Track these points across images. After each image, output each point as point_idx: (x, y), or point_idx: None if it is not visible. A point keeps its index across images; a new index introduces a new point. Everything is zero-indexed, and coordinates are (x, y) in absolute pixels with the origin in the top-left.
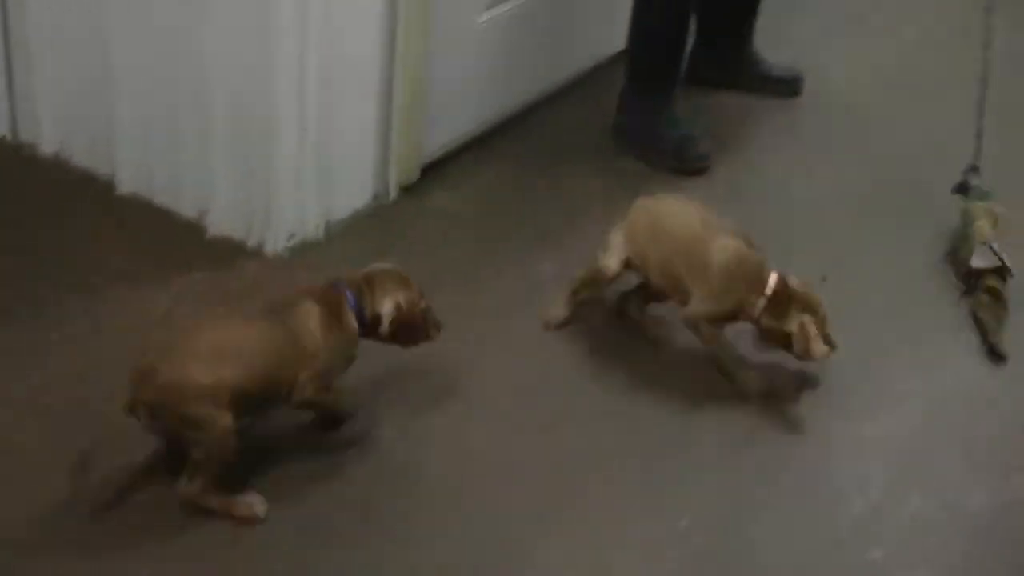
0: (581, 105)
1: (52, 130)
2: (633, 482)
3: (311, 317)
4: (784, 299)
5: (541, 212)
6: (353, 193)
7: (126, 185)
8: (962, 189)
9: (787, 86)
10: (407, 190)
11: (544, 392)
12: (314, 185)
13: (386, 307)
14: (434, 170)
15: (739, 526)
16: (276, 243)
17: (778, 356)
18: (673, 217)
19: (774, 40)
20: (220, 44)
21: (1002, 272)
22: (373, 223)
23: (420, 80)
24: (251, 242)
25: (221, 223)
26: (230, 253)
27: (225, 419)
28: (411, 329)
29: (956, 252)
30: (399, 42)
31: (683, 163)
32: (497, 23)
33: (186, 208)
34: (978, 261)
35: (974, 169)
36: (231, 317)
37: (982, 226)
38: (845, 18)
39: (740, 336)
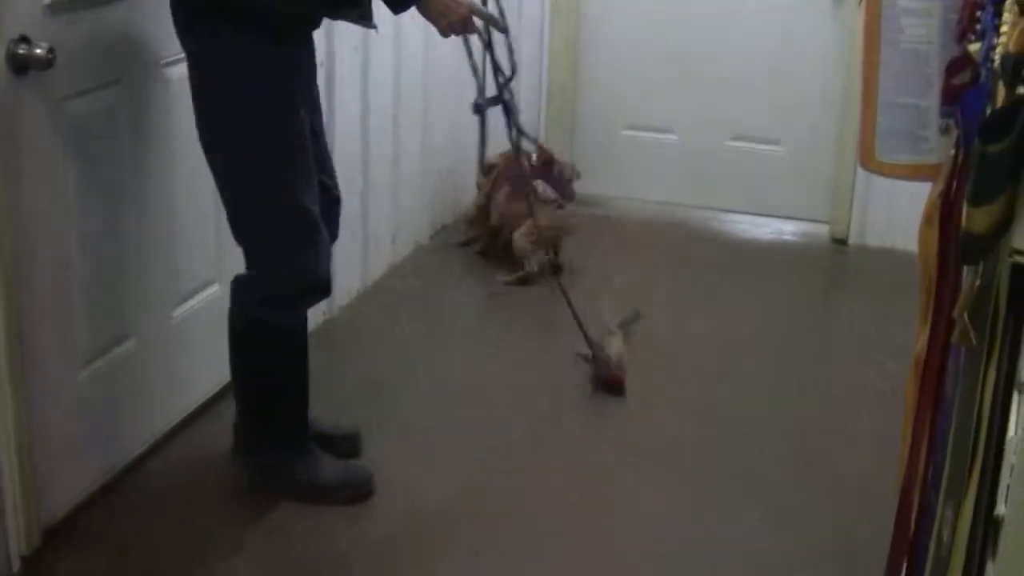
0: (204, 436)
1: None
2: None
3: None
4: None
5: (175, 561)
6: None
7: None
8: None
9: (347, 443)
10: (29, 560)
11: None
12: None
13: None
14: (58, 532)
15: None
16: None
17: None
18: None
19: None
20: None
21: None
22: None
23: (26, 443)
24: None
25: None
26: None
27: None
28: None
29: None
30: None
31: (355, 489)
32: (98, 375)
33: None
34: None
35: None
36: None
37: None
38: None
39: None
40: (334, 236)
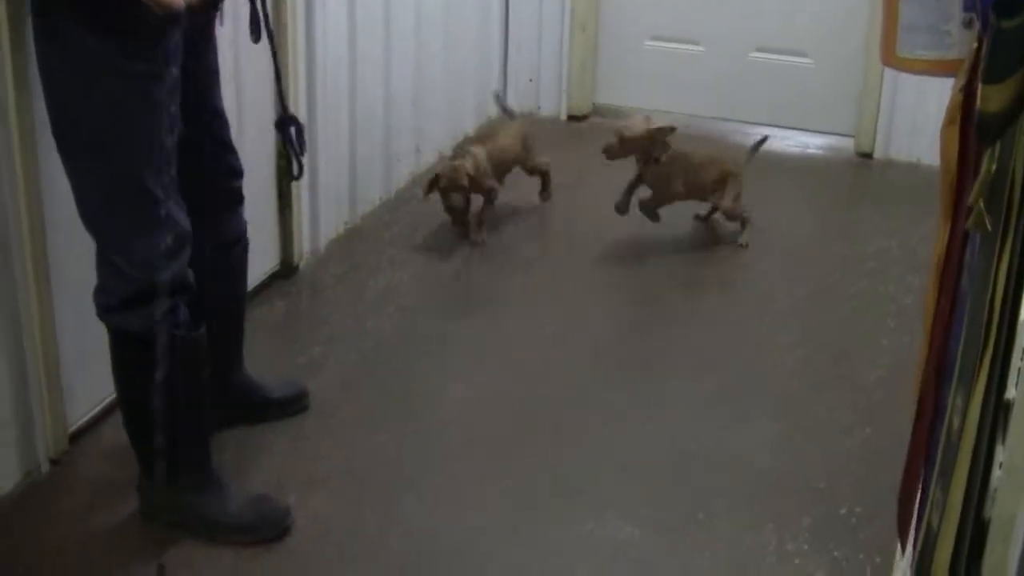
0: None
1: None
2: None
3: None
4: None
5: None
6: (2, 473)
7: None
8: None
9: (294, 403)
10: (57, 462)
11: None
12: None
13: None
14: (83, 436)
15: None
16: None
17: None
18: None
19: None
20: None
21: None
22: (27, 502)
23: (53, 346)
24: None
25: None
26: None
27: None
28: None
29: None
30: (26, 310)
31: (267, 528)
32: None
33: None
34: None
35: None
36: None
37: None
38: None
39: None
40: (236, 234)
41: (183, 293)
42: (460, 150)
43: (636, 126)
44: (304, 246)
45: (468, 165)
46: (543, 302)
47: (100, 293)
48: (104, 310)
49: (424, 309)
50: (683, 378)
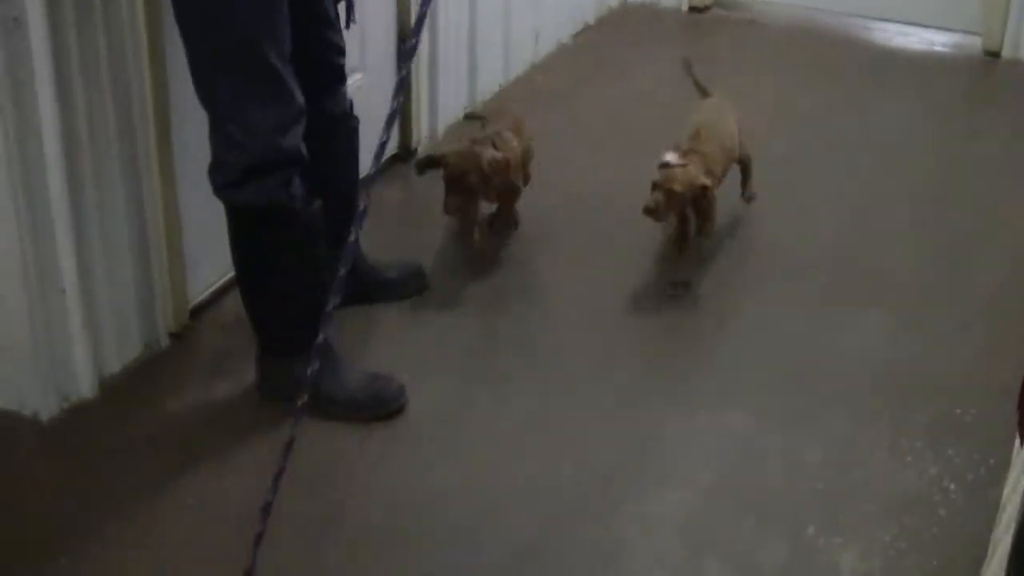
0: None
1: None
2: None
3: None
4: None
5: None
6: (123, 346)
7: None
8: None
9: (411, 285)
10: (178, 336)
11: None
12: (82, 344)
13: None
14: (203, 311)
15: None
16: (50, 408)
17: None
18: None
19: None
20: None
21: None
22: (147, 373)
23: (176, 223)
24: (26, 412)
25: None
26: (5, 425)
27: None
28: None
29: None
30: (149, 187)
31: (382, 406)
32: None
33: None
34: None
35: None
36: None
37: None
38: None
39: None
40: (341, 112)
41: (298, 166)
42: (485, 130)
43: (684, 177)
44: (422, 130)
45: (498, 156)
46: None
47: (216, 169)
48: (221, 186)
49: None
50: (799, 276)
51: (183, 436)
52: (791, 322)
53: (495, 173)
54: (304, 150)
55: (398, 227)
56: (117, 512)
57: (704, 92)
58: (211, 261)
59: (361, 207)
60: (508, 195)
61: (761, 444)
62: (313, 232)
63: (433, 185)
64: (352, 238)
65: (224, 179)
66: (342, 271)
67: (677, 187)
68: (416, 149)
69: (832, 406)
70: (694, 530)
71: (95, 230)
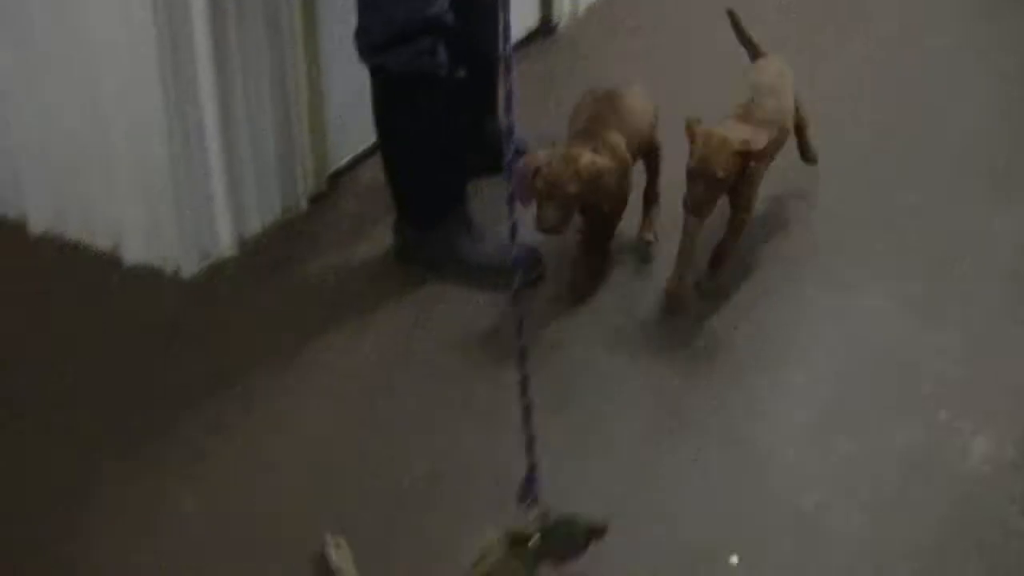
0: None
1: None
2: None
3: None
4: None
5: None
6: (263, 207)
7: (37, 224)
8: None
9: None
10: (316, 200)
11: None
12: (224, 203)
13: None
14: (342, 178)
15: (667, 483)
16: (192, 265)
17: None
18: None
19: None
20: (113, 81)
21: None
22: (286, 235)
23: (318, 89)
24: (168, 267)
25: (136, 251)
26: (148, 279)
27: None
28: None
29: None
30: (292, 53)
31: (519, 273)
32: None
33: (100, 240)
34: None
35: None
36: None
37: None
38: None
39: None
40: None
41: (443, 34)
42: (580, 134)
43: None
44: (564, 6)
45: (599, 162)
46: None
47: (361, 34)
48: (365, 51)
49: None
50: (955, 166)
51: (321, 295)
52: (938, 208)
53: (594, 180)
54: (449, 18)
55: (539, 100)
56: (255, 366)
57: (756, 51)
58: (352, 127)
59: (508, 88)
60: (605, 214)
61: (900, 327)
62: (454, 100)
63: (577, 64)
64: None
65: (368, 44)
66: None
67: (720, 173)
68: (557, 26)
69: (973, 293)
70: (827, 407)
71: (239, 92)
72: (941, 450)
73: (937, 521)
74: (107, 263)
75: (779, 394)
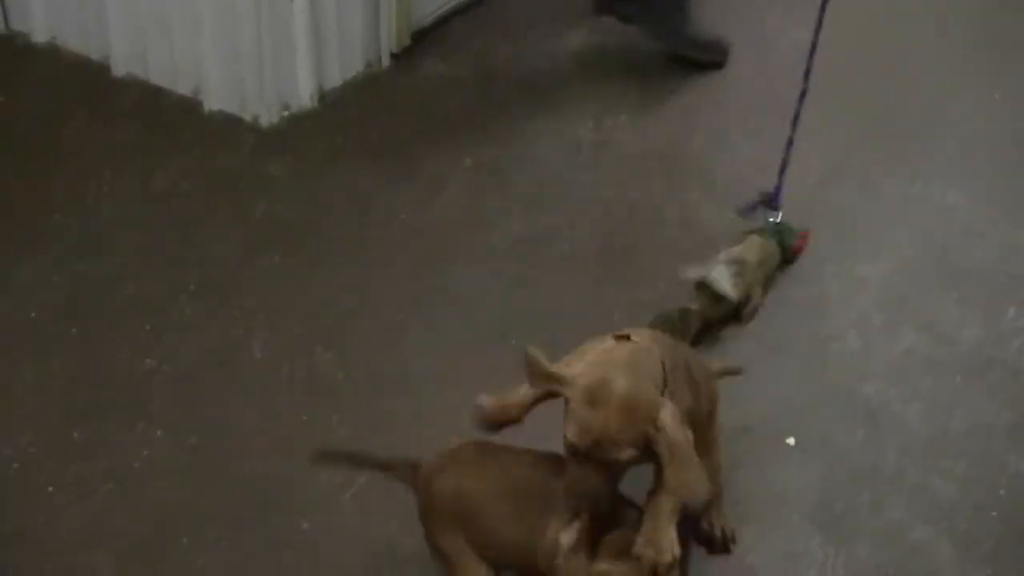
0: None
1: (43, 20)
2: None
3: None
4: None
5: (534, 75)
6: (345, 62)
7: (121, 67)
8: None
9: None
10: (398, 57)
11: None
12: (306, 56)
13: None
14: (425, 36)
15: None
16: (271, 115)
17: None
18: None
19: None
20: None
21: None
22: (366, 90)
23: None
24: (247, 116)
25: (216, 99)
26: (227, 127)
27: None
28: None
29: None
30: None
31: (718, 52)
32: None
33: (181, 86)
34: (694, 273)
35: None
36: None
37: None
38: None
39: None
40: None
41: None
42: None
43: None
44: None
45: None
46: None
47: None
48: None
49: None
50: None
51: (397, 150)
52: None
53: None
54: None
55: None
56: (328, 215)
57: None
58: None
59: None
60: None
61: (973, 223)
62: None
63: None
64: None
65: None
66: None
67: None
68: None
69: None
70: (896, 298)
71: None
72: (1004, 347)
73: (994, 415)
74: (187, 108)
75: (849, 281)
